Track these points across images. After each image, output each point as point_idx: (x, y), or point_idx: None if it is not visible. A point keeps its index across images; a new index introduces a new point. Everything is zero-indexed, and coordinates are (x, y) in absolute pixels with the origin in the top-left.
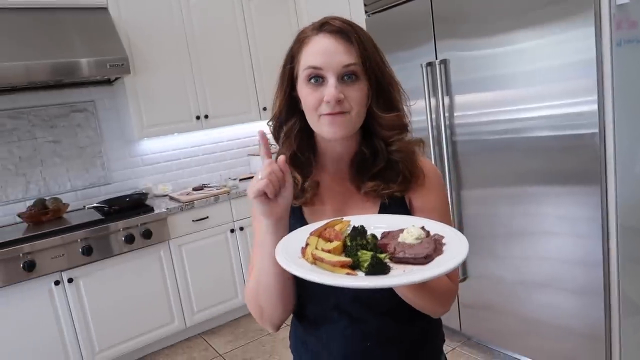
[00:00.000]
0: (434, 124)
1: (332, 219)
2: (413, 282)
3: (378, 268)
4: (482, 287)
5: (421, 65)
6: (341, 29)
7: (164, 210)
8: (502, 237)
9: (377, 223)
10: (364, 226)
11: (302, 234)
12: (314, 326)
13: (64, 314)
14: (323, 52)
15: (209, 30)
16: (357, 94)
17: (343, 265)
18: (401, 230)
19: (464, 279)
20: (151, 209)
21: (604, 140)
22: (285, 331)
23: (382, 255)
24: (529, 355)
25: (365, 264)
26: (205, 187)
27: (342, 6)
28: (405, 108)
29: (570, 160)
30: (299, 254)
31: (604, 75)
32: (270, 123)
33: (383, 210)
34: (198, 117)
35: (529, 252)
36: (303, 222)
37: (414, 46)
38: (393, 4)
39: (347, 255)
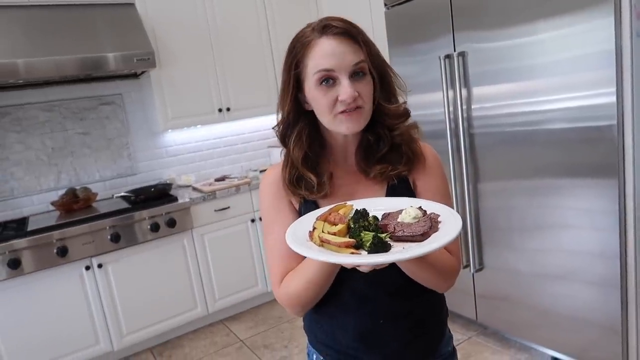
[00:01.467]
0: (451, 116)
1: (336, 204)
2: (410, 257)
3: (379, 246)
4: (498, 278)
5: (439, 57)
6: (346, 30)
7: (187, 200)
8: (519, 229)
9: (378, 206)
10: (366, 209)
11: (309, 219)
12: (327, 307)
13: (94, 297)
14: (332, 54)
15: (231, 25)
16: (366, 88)
17: (348, 246)
18: (400, 211)
19: (480, 269)
20: (175, 199)
21: (622, 132)
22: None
23: (383, 235)
24: (545, 345)
25: (368, 244)
26: (226, 178)
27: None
28: (403, 94)
29: (587, 152)
30: (307, 238)
31: (623, 67)
32: (276, 128)
33: (391, 192)
34: (220, 110)
35: (546, 244)
36: None
37: (432, 38)
38: None
39: (351, 237)
